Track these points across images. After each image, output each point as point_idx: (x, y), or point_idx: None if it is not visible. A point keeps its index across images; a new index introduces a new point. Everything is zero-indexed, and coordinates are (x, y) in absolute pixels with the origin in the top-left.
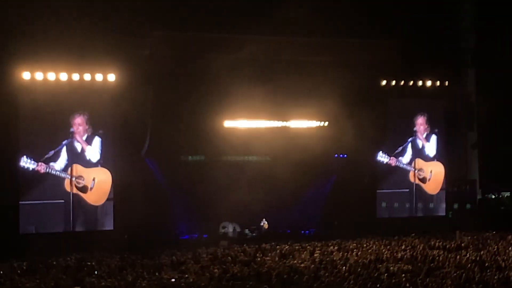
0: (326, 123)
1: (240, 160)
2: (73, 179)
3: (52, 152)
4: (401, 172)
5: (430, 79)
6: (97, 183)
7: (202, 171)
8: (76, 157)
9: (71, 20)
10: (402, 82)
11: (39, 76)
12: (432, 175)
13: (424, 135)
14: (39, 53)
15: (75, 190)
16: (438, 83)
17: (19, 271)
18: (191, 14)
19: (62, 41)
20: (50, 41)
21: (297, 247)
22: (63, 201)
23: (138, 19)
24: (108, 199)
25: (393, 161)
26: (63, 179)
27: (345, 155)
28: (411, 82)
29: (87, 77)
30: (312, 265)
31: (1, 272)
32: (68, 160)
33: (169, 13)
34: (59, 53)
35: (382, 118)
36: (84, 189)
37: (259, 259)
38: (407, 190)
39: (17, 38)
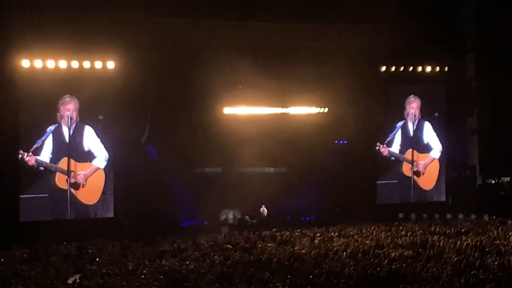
0: (326, 109)
1: (239, 147)
2: (65, 173)
3: (39, 141)
4: (397, 163)
5: (429, 65)
6: (89, 181)
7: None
8: (67, 149)
9: (71, 7)
10: (402, 68)
11: (38, 63)
12: (426, 169)
13: (417, 122)
14: (38, 41)
15: (66, 186)
16: (437, 68)
17: (20, 259)
18: (191, 1)
19: (61, 29)
20: (50, 29)
21: (297, 234)
22: (59, 193)
23: (137, 6)
24: (107, 192)
25: (385, 151)
26: (55, 173)
27: (345, 142)
28: (411, 68)
29: (86, 64)
30: (313, 251)
31: (2, 260)
32: (55, 150)
33: (169, 0)
34: (58, 41)
35: (382, 104)
36: (76, 185)
37: (260, 245)
38: (405, 179)
39: (16, 26)
